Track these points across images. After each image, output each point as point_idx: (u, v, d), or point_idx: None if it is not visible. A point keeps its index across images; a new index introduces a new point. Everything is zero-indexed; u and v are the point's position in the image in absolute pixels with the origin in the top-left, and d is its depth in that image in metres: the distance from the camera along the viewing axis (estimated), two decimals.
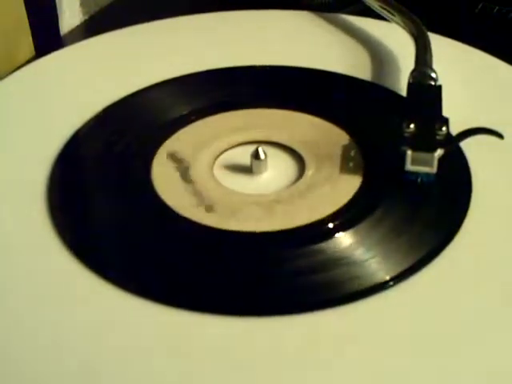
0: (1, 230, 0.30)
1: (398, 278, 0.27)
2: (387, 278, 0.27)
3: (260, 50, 0.41)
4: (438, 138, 0.31)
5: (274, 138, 0.35)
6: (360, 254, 0.28)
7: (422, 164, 0.31)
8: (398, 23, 0.40)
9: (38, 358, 0.25)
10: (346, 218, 0.30)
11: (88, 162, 0.35)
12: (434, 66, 0.35)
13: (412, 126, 0.31)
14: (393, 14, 0.41)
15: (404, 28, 0.39)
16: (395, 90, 0.37)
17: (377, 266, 0.28)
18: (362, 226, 0.30)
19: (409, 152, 0.30)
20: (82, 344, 0.26)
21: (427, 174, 0.31)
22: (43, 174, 0.33)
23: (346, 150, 0.34)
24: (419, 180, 0.31)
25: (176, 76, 0.39)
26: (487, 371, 0.25)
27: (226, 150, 0.35)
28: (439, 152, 0.30)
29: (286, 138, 0.35)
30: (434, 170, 0.31)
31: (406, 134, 0.31)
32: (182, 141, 0.35)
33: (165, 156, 0.34)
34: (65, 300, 0.27)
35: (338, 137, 0.34)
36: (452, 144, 0.31)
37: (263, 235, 0.29)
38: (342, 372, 0.25)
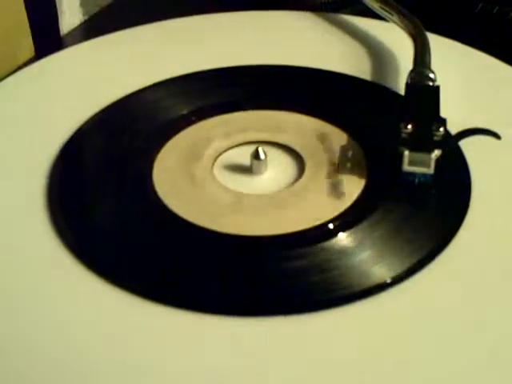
0: (1, 230, 0.30)
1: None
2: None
3: (260, 50, 0.41)
4: (435, 138, 0.31)
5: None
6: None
7: (419, 164, 0.31)
8: (397, 23, 0.40)
9: (38, 358, 0.25)
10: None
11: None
12: (433, 66, 0.35)
13: (409, 126, 0.31)
14: (392, 15, 0.41)
15: (403, 28, 0.39)
16: (394, 89, 0.37)
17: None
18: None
19: (406, 152, 0.30)
20: (82, 344, 0.26)
21: (424, 175, 0.31)
22: (43, 174, 0.33)
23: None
24: (416, 180, 0.31)
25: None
26: (488, 371, 0.25)
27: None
28: (436, 152, 0.30)
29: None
30: (431, 170, 0.31)
31: (404, 135, 0.31)
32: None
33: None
34: (65, 300, 0.27)
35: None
36: (449, 144, 0.31)
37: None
38: (342, 372, 0.25)
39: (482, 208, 0.30)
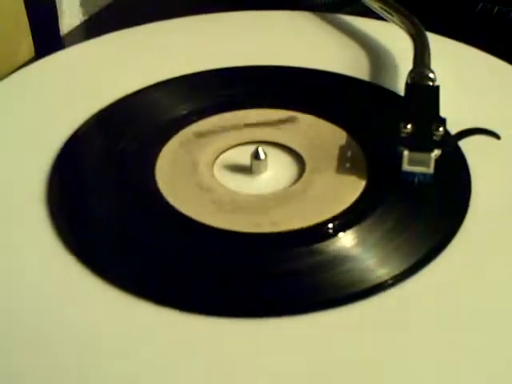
0: (1, 230, 0.30)
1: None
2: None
3: (260, 49, 0.41)
4: (435, 138, 0.31)
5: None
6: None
7: (418, 164, 0.31)
8: (396, 23, 0.40)
9: (38, 358, 0.25)
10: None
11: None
12: (433, 66, 0.35)
13: (409, 126, 0.31)
14: (392, 15, 0.41)
15: (403, 28, 0.39)
16: (394, 90, 0.37)
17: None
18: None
19: (405, 152, 0.31)
20: (81, 344, 0.26)
21: (424, 175, 0.31)
22: (43, 174, 0.33)
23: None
24: (416, 180, 0.31)
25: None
26: (487, 370, 0.25)
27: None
28: (436, 152, 0.30)
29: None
30: (430, 170, 0.31)
31: (403, 135, 0.31)
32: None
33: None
34: (65, 300, 0.27)
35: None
36: (449, 144, 0.31)
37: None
38: (342, 372, 0.25)
39: (482, 208, 0.30)
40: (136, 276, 0.28)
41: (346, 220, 0.30)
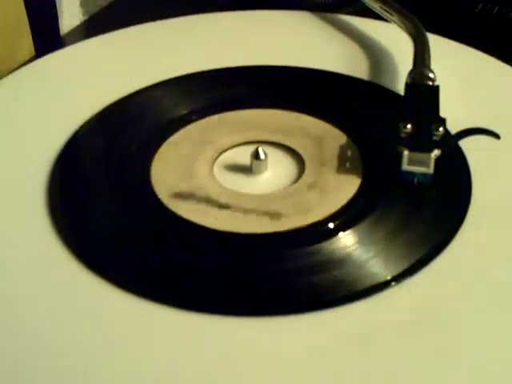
0: (1, 230, 0.30)
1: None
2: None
3: (260, 49, 0.41)
4: (434, 138, 0.31)
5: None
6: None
7: (418, 164, 0.31)
8: (397, 24, 0.40)
9: (38, 358, 0.25)
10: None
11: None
12: (433, 66, 0.35)
13: (409, 126, 0.31)
14: (392, 15, 0.41)
15: (403, 28, 0.39)
16: (394, 90, 0.37)
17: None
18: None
19: (405, 152, 0.31)
20: (81, 344, 0.26)
21: (424, 175, 0.31)
22: (43, 174, 0.33)
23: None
24: (416, 180, 0.31)
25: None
26: (487, 370, 0.25)
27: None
28: (436, 152, 0.30)
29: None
30: (430, 170, 0.31)
31: (403, 135, 0.31)
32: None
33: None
34: (65, 300, 0.27)
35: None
36: (449, 144, 0.31)
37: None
38: (342, 372, 0.25)
39: (482, 208, 0.30)
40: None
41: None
